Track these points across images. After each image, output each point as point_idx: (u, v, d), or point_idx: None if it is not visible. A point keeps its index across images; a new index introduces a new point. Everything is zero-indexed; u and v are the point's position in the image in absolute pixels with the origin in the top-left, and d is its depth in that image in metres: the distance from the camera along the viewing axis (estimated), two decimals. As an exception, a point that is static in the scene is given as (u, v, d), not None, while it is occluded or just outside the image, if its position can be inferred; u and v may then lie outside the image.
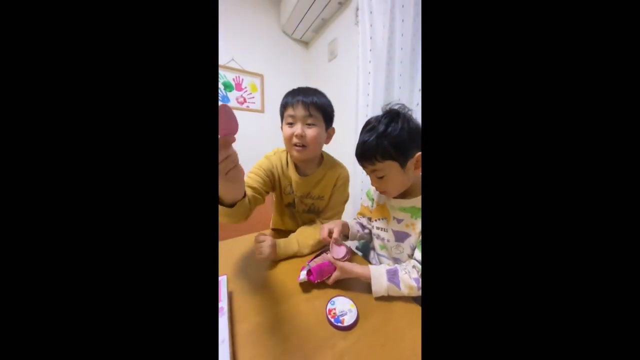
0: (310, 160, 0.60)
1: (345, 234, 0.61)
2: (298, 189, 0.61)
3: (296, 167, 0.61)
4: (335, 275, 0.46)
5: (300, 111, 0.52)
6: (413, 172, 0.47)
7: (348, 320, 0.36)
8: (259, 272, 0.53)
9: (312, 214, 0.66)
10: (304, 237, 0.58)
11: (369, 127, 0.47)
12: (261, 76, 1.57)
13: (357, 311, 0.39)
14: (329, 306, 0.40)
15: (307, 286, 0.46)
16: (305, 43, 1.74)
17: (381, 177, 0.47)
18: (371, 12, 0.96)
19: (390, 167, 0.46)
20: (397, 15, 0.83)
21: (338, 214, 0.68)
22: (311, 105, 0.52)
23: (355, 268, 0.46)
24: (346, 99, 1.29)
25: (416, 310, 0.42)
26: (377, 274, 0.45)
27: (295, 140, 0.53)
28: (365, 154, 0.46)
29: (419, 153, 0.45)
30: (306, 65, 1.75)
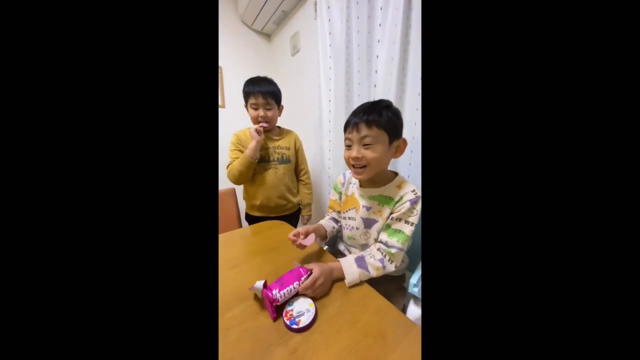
0: (272, 130, 0.92)
1: (321, 235, 0.63)
2: (270, 143, 0.91)
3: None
4: (312, 278, 0.42)
5: (260, 99, 0.83)
6: (392, 154, 0.51)
7: (304, 320, 0.36)
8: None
9: (284, 164, 0.92)
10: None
11: (374, 101, 0.52)
12: (219, 68, 1.46)
13: (316, 310, 0.38)
14: (287, 307, 0.39)
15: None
16: (268, 35, 1.66)
17: (368, 146, 0.48)
18: (329, 7, 0.95)
19: (381, 137, 0.48)
20: (353, 11, 0.84)
21: (307, 167, 1.04)
22: (267, 95, 0.83)
23: (329, 265, 0.47)
24: (311, 94, 1.27)
25: (371, 294, 0.44)
26: (347, 264, 0.48)
27: (260, 119, 0.85)
28: (370, 114, 0.47)
29: (404, 138, 0.51)
30: (269, 59, 1.68)
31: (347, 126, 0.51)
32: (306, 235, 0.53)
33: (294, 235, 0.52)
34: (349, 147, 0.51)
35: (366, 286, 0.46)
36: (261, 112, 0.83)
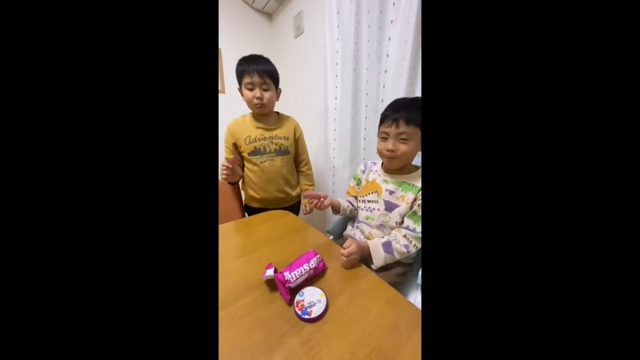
0: (269, 115, 0.85)
1: (334, 206, 0.70)
2: (267, 133, 0.83)
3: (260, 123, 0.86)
4: (350, 250, 0.47)
5: (256, 78, 0.73)
6: (419, 148, 0.55)
7: (316, 311, 0.36)
8: (220, 267, 0.49)
9: (282, 155, 0.85)
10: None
11: (413, 97, 0.57)
12: (219, 50, 1.39)
13: (327, 300, 0.38)
14: (297, 298, 0.39)
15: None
16: (269, 15, 1.57)
17: (404, 141, 0.54)
18: (337, -17, 0.88)
19: (416, 134, 0.53)
20: (364, -12, 0.78)
21: (307, 157, 0.97)
22: (264, 74, 0.74)
23: (362, 244, 0.52)
24: (316, 79, 1.22)
25: (381, 285, 0.44)
26: (375, 248, 0.53)
27: (256, 100, 0.76)
28: (410, 112, 0.51)
29: None
30: (270, 41, 1.60)
31: (385, 120, 0.56)
32: (324, 197, 0.61)
33: (311, 199, 0.60)
34: (384, 139, 0.57)
35: (375, 277, 0.46)
36: (257, 93, 0.74)
